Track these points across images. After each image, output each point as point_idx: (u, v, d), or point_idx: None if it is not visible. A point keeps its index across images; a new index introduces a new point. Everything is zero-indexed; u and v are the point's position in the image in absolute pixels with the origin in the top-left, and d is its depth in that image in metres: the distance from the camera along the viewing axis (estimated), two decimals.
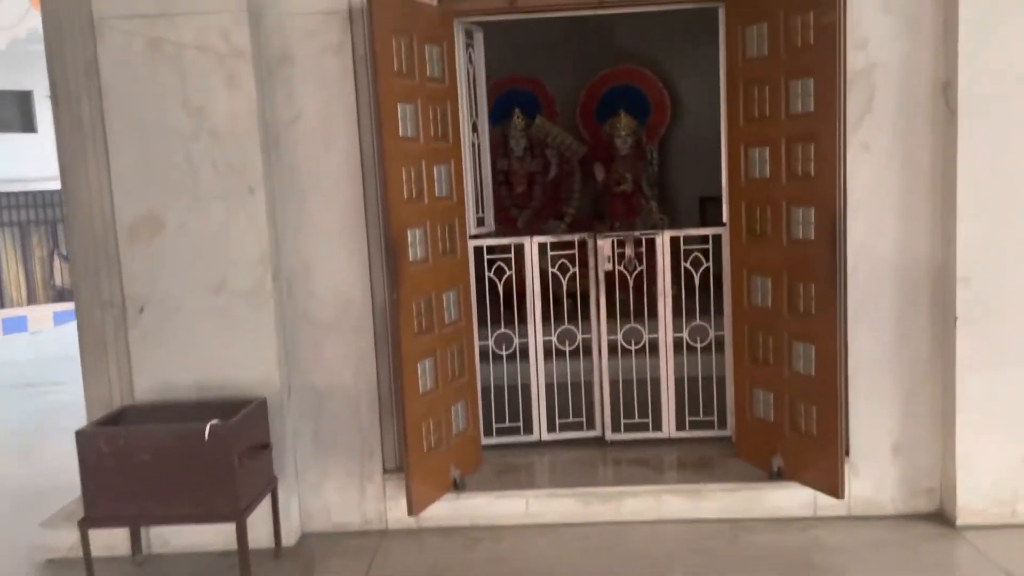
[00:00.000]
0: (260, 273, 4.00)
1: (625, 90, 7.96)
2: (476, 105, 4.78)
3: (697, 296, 4.77)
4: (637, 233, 4.79)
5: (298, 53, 4.05)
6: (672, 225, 7.74)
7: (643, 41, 7.78)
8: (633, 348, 4.83)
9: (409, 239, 4.00)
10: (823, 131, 3.78)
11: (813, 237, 3.91)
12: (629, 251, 4.77)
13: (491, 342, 4.86)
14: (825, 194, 3.81)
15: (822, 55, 3.73)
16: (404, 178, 3.95)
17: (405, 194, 3.97)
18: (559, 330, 4.92)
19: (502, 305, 4.84)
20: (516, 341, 4.87)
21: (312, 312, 4.22)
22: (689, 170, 8.05)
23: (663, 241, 4.71)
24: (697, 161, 7.95)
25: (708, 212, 8.14)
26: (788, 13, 3.88)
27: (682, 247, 4.74)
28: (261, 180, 3.95)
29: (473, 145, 4.74)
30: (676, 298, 4.74)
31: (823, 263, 3.85)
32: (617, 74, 8.06)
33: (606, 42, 7.88)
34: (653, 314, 4.73)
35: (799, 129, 3.92)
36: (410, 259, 4.00)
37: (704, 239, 4.76)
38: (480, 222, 4.85)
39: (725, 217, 4.55)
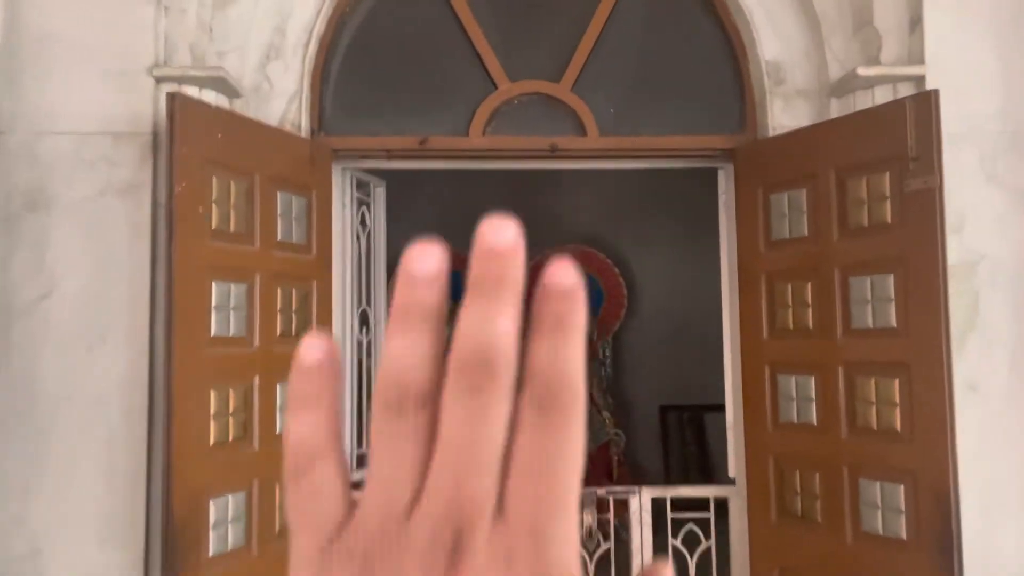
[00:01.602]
0: None
1: None
2: (369, 288, 3.25)
3: None
4: (602, 491, 3.14)
5: (61, 194, 2.47)
6: (629, 443, 6.21)
7: (591, 216, 6.53)
8: None
9: (212, 518, 2.26)
10: (917, 359, 2.31)
11: (905, 534, 2.33)
12: (590, 519, 3.10)
13: None
14: (927, 464, 2.28)
15: (910, 240, 2.33)
16: (212, 407, 2.28)
17: (212, 436, 2.28)
18: None
19: None
20: None
21: None
22: (647, 373, 6.60)
23: (640, 503, 3.07)
24: (655, 362, 6.56)
25: (670, 426, 6.62)
26: (844, 175, 2.51)
27: (669, 514, 3.10)
28: None
29: (359, 345, 3.15)
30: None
31: None
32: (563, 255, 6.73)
33: (549, 217, 6.62)
34: None
35: (870, 353, 2.45)
36: (211, 554, 2.25)
37: (702, 502, 3.13)
38: (362, 461, 3.15)
39: (732, 471, 2.99)
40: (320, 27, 2.85)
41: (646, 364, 6.58)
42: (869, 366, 2.45)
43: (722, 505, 3.03)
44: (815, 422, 2.61)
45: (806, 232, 2.64)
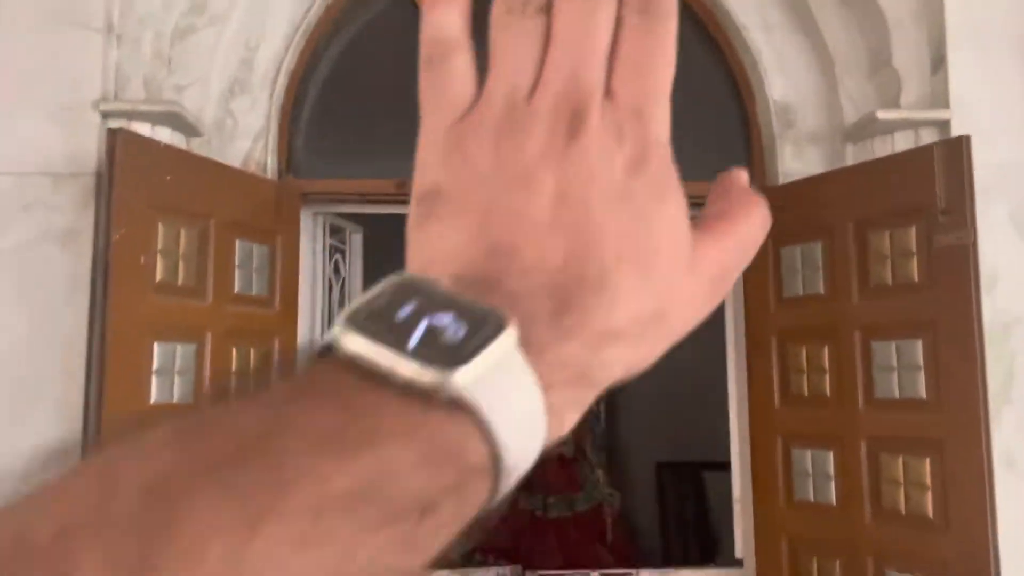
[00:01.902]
0: None
1: None
2: None
3: None
4: (596, 574, 2.84)
5: None
6: (624, 502, 5.87)
7: None
8: None
9: None
10: (951, 436, 2.05)
11: None
12: None
13: None
14: (963, 556, 2.01)
15: (940, 301, 2.09)
16: None
17: None
18: None
19: None
20: None
21: None
22: (642, 427, 6.29)
23: None
24: (652, 416, 6.27)
25: (667, 486, 6.29)
26: (864, 228, 2.28)
27: None
28: None
29: None
30: None
31: None
32: None
33: None
34: None
35: (897, 427, 2.18)
36: None
37: None
38: None
39: (740, 551, 2.70)
40: (291, 61, 2.62)
41: (642, 419, 6.28)
42: (895, 441, 2.18)
43: None
44: (834, 502, 2.33)
45: (822, 290, 2.39)
